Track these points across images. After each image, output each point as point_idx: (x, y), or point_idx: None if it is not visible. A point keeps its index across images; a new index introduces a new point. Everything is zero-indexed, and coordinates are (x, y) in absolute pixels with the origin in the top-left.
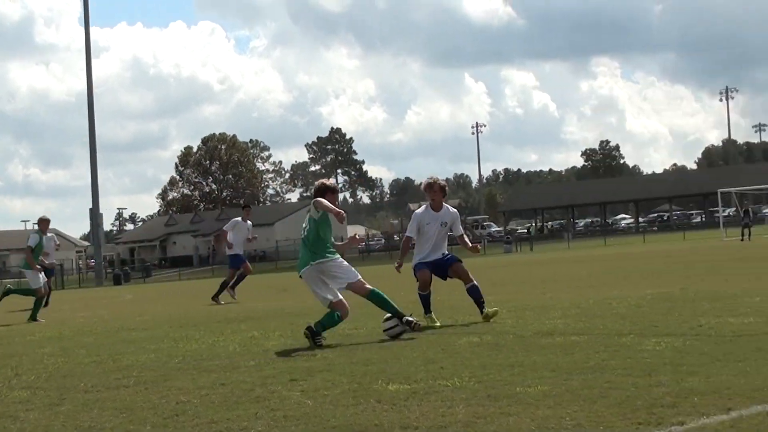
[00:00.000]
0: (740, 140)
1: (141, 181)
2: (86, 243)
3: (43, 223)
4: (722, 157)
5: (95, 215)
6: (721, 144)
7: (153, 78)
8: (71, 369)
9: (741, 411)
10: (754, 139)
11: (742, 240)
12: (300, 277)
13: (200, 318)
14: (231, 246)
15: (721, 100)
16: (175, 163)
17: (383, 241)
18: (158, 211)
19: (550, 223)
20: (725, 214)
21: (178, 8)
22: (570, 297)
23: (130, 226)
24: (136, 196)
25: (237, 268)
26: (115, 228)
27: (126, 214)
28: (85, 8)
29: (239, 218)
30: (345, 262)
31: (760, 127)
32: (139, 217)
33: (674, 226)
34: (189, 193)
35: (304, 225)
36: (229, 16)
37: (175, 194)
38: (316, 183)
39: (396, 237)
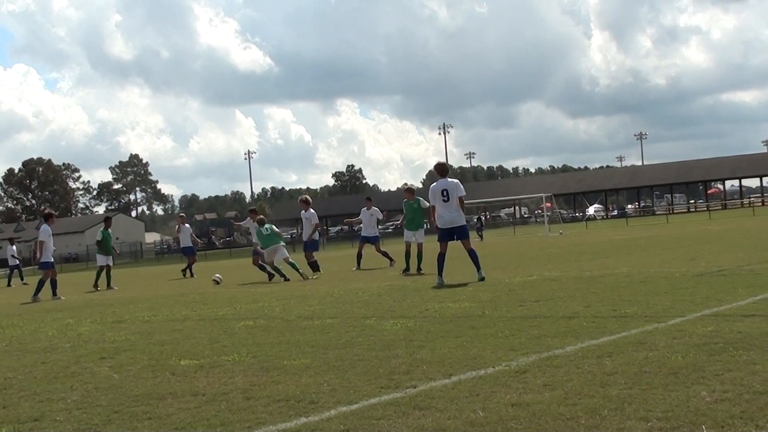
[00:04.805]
0: (455, 165)
1: None
2: None
3: None
4: None
5: None
6: None
7: None
8: None
9: (460, 376)
10: (466, 164)
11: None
12: None
13: (23, 309)
14: None
15: (439, 133)
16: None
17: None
18: None
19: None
20: None
21: None
22: (325, 288)
23: None
24: None
25: None
26: None
27: None
28: None
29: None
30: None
31: (470, 155)
32: None
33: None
34: (12, 207)
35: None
36: (40, 60)
37: (0, 207)
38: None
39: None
